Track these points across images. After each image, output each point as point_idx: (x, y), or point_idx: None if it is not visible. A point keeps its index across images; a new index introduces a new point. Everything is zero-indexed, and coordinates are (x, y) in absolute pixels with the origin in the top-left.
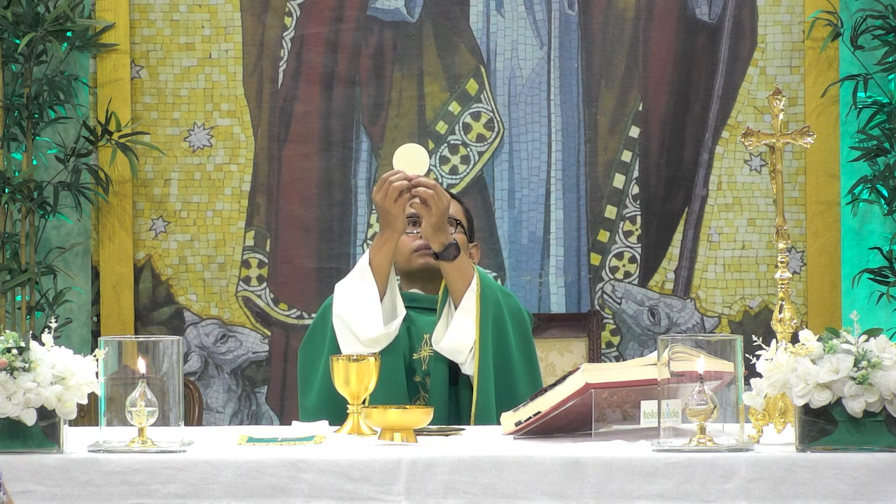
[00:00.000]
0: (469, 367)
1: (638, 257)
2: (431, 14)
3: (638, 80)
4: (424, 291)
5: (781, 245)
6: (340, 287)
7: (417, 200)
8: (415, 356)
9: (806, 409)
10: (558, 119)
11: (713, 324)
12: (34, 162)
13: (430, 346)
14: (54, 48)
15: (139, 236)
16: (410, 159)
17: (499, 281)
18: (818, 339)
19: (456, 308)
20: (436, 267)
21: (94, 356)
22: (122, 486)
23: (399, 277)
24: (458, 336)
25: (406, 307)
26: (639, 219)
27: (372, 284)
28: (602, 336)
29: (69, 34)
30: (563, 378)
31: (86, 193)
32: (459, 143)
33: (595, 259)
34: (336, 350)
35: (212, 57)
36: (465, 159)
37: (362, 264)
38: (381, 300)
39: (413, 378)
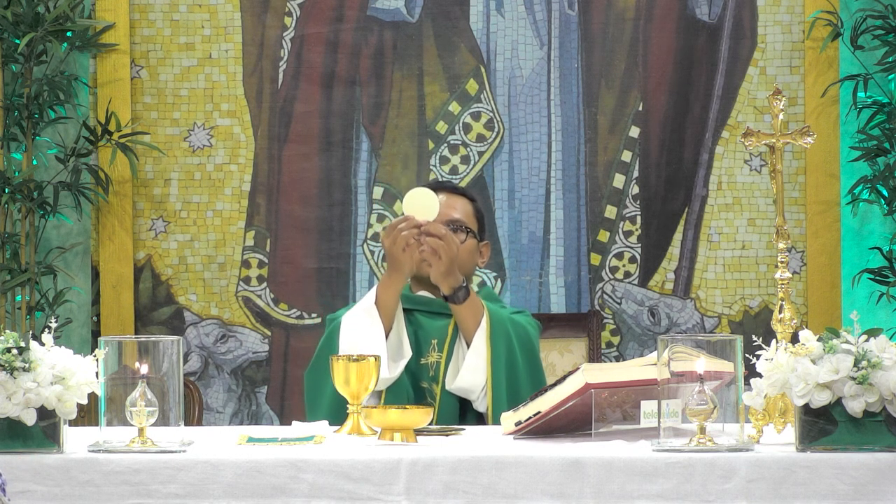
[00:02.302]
0: (481, 405)
1: (638, 257)
2: (431, 14)
3: (638, 80)
4: (434, 295)
5: (781, 245)
6: (347, 323)
7: (426, 248)
8: (422, 361)
9: (806, 409)
10: (558, 119)
11: (713, 324)
12: (34, 162)
13: (438, 351)
14: (54, 48)
15: (139, 236)
16: (420, 204)
17: (499, 282)
18: (818, 339)
19: (468, 346)
20: None
21: (94, 356)
22: (122, 486)
23: (408, 280)
24: (470, 377)
25: (414, 310)
26: (639, 219)
27: (378, 327)
28: (602, 336)
29: (69, 34)
30: (563, 378)
31: (86, 193)
32: (459, 143)
33: (595, 259)
34: None
35: (212, 57)
36: (465, 159)
37: (369, 301)
38: (387, 337)
39: (420, 384)
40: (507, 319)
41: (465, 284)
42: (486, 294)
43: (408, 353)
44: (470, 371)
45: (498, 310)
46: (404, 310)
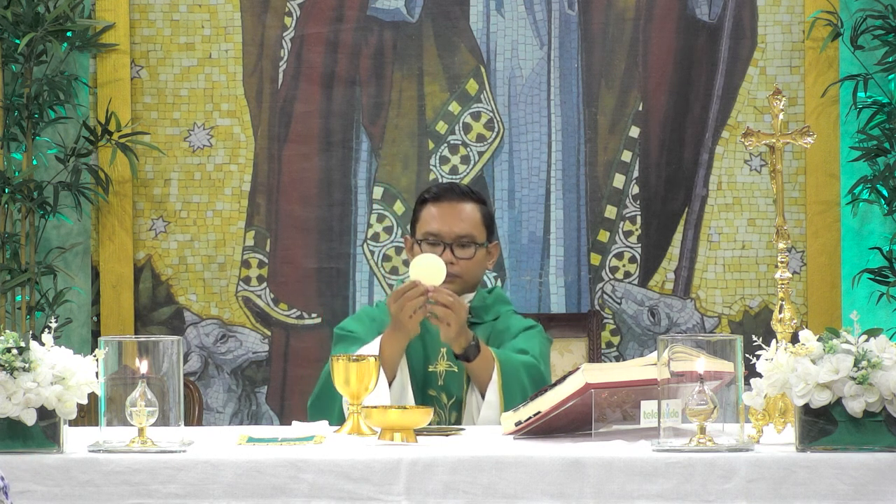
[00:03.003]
0: None
1: (638, 257)
2: (431, 14)
3: (638, 80)
4: None
5: (781, 245)
6: None
7: (434, 315)
8: (430, 368)
9: (806, 409)
10: (558, 119)
11: (713, 324)
12: (34, 162)
13: (447, 359)
14: (54, 48)
15: (139, 236)
16: (427, 270)
17: (498, 282)
18: (818, 339)
19: (481, 396)
20: (454, 278)
21: (94, 356)
22: (122, 486)
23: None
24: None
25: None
26: (639, 219)
27: (383, 380)
28: (602, 336)
29: (69, 34)
30: (563, 378)
31: (86, 193)
32: (459, 143)
33: (595, 259)
34: (344, 416)
35: (212, 57)
36: (465, 159)
37: (372, 353)
38: (391, 385)
39: (428, 391)
40: (519, 365)
41: (475, 343)
42: (496, 296)
43: (411, 404)
44: (484, 423)
45: (509, 356)
46: None
